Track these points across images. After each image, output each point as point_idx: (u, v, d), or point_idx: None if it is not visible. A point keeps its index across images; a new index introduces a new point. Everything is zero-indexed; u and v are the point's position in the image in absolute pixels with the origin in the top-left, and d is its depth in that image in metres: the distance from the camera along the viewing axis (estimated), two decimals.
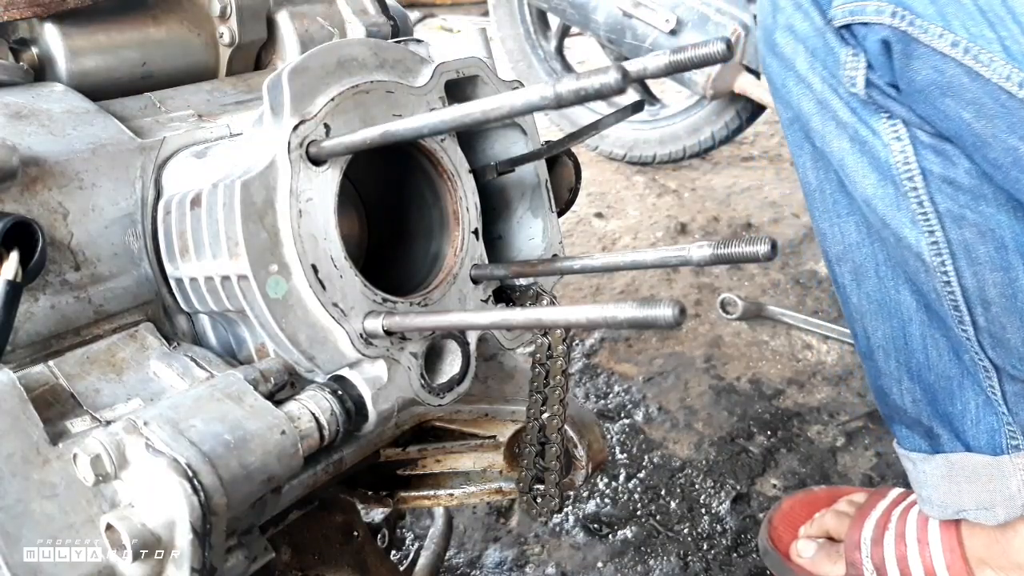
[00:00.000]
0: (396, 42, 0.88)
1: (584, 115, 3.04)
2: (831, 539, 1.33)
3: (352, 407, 0.66)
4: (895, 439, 1.26)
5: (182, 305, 0.74)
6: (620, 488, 1.64)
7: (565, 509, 1.59)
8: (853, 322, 1.21)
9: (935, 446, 1.17)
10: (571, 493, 1.61)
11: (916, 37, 0.87)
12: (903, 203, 1.00)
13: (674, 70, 0.54)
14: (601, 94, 0.43)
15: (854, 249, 1.13)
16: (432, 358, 0.74)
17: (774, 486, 1.63)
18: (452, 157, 0.76)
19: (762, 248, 0.55)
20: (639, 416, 1.85)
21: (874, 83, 0.95)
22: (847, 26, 0.93)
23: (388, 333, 0.67)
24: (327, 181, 0.66)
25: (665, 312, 0.44)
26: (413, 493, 0.98)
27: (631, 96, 3.01)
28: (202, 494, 0.53)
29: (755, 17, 2.35)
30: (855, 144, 1.01)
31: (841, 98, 1.00)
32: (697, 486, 1.64)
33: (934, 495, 1.17)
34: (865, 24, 0.91)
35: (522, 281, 0.82)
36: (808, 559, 1.31)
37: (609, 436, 1.78)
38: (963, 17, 0.85)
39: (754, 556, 1.47)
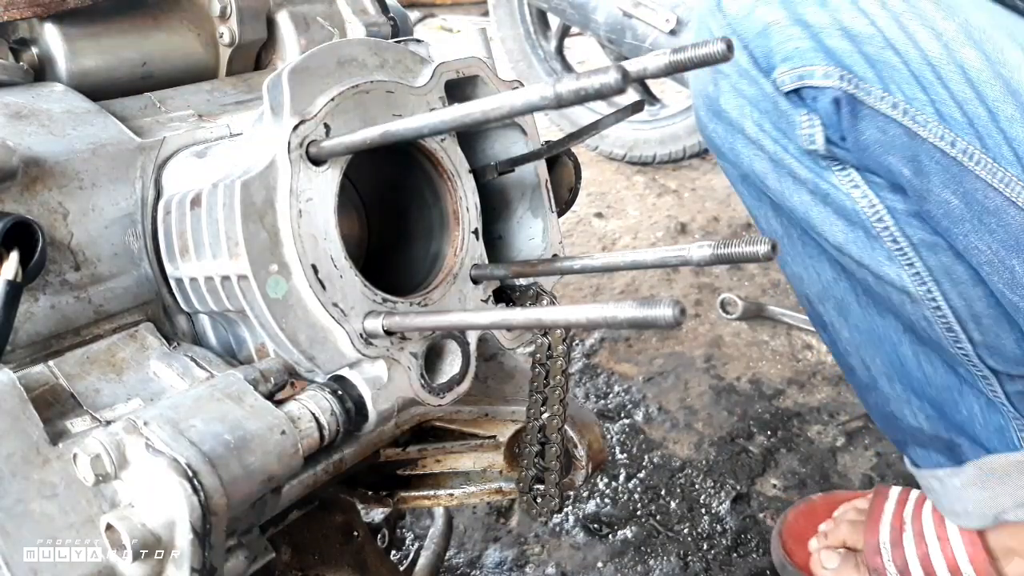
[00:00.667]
0: (396, 42, 0.88)
1: (584, 115, 3.04)
2: (848, 548, 1.33)
3: (352, 407, 0.66)
4: (910, 463, 1.25)
5: (182, 305, 0.74)
6: (620, 488, 1.64)
7: (565, 509, 1.59)
8: (849, 357, 1.22)
9: (957, 457, 1.17)
10: (571, 493, 1.61)
11: (861, 99, 0.92)
12: (876, 243, 1.02)
13: (674, 70, 0.54)
14: (601, 94, 0.43)
15: (832, 285, 1.15)
16: (432, 358, 0.74)
17: (774, 486, 1.63)
18: (452, 157, 0.76)
19: (762, 248, 0.55)
20: (639, 416, 1.85)
21: (829, 139, 0.98)
22: (796, 90, 0.95)
23: (388, 333, 0.66)
24: (327, 181, 0.66)
25: (665, 312, 0.44)
26: (413, 493, 0.97)
27: (631, 96, 3.01)
28: (202, 494, 0.53)
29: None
30: (816, 196, 1.03)
31: (794, 156, 1.02)
32: (697, 486, 1.64)
33: (969, 507, 1.16)
34: (815, 87, 0.93)
35: (522, 281, 0.82)
36: (833, 570, 1.31)
37: (609, 436, 1.78)
38: (899, 80, 0.89)
39: (754, 556, 1.47)
